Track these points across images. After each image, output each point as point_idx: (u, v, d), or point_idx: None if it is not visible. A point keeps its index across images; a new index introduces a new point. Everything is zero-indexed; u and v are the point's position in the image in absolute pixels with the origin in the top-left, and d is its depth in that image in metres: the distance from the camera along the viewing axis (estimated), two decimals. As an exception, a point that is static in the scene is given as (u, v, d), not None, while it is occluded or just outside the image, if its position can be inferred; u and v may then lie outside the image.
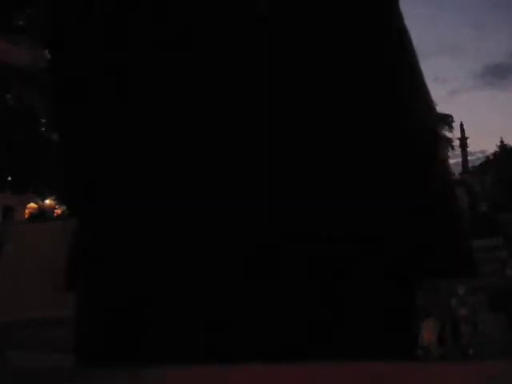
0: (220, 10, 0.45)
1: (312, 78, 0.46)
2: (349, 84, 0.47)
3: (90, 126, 0.49)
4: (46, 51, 0.51)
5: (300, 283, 0.45)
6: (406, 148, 0.49)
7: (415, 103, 0.52)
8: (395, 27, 0.51)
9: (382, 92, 0.48)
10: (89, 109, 0.48)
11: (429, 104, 0.55)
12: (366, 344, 0.46)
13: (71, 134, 0.51)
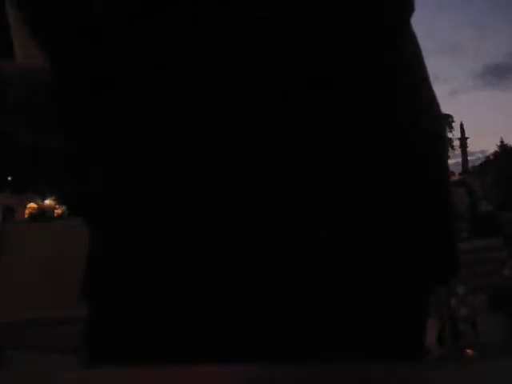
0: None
1: (312, 77, 0.46)
2: (348, 83, 0.47)
3: (90, 126, 0.49)
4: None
5: (300, 283, 0.45)
6: (406, 148, 0.49)
7: (415, 103, 0.52)
8: (394, 27, 0.51)
9: (381, 91, 0.48)
10: (89, 108, 0.48)
11: (430, 103, 0.55)
12: (367, 344, 0.46)
13: (71, 134, 0.51)
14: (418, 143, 0.51)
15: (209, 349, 0.44)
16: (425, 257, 0.50)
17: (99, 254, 0.51)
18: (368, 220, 0.46)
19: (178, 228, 0.45)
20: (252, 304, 0.45)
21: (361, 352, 0.46)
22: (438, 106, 0.57)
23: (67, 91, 0.50)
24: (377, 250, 0.47)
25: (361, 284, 0.46)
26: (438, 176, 0.53)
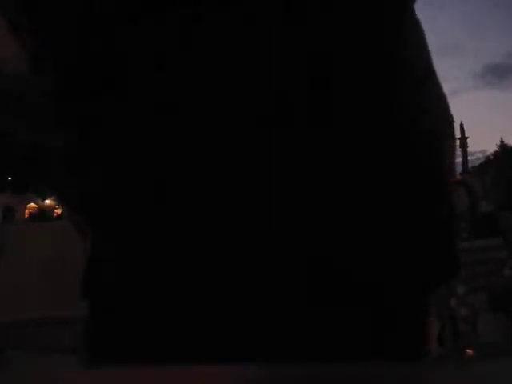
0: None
1: (312, 77, 0.46)
2: (347, 83, 0.47)
3: (90, 126, 0.49)
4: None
5: (300, 283, 0.45)
6: (406, 148, 0.49)
7: (415, 102, 0.52)
8: (394, 27, 0.51)
9: (381, 91, 0.48)
10: (90, 108, 0.48)
11: (436, 97, 0.54)
12: (367, 344, 0.46)
13: (71, 134, 0.51)
14: (417, 143, 0.51)
15: (209, 349, 0.44)
16: (425, 257, 0.50)
17: (99, 253, 0.51)
18: (368, 220, 0.46)
19: (178, 228, 0.45)
20: (252, 304, 0.44)
21: (361, 352, 0.45)
22: (445, 99, 0.56)
23: (67, 91, 0.49)
24: (377, 250, 0.47)
25: (361, 284, 0.46)
26: (437, 176, 0.53)
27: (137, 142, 0.46)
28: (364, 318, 0.46)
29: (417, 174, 0.50)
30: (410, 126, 0.50)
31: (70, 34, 0.47)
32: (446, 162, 0.56)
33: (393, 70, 0.49)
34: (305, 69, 0.45)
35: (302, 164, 0.45)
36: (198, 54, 0.45)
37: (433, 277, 0.52)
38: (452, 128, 0.59)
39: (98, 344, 0.51)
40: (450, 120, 0.57)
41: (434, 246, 0.51)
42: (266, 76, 0.45)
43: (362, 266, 0.46)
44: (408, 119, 0.50)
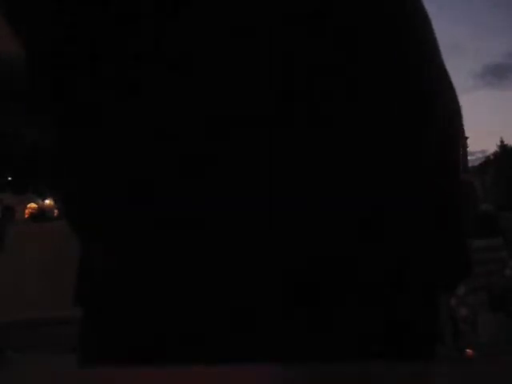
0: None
1: (314, 73, 0.46)
2: (347, 82, 0.47)
3: (67, 125, 0.48)
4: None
5: (302, 283, 0.45)
6: (407, 147, 0.49)
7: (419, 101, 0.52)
8: (395, 28, 0.50)
9: (382, 90, 0.48)
10: (67, 107, 0.48)
11: (442, 104, 0.54)
12: (379, 345, 0.46)
13: (48, 132, 0.51)
14: (424, 143, 0.50)
15: (208, 349, 0.44)
16: (436, 258, 0.50)
17: (89, 256, 0.51)
18: (374, 219, 0.46)
19: (174, 228, 0.45)
20: (252, 304, 0.45)
21: (372, 352, 0.45)
22: (453, 89, 0.56)
23: (42, 88, 0.49)
24: (388, 250, 0.47)
25: (374, 284, 0.46)
26: (447, 175, 0.53)
27: (134, 140, 0.46)
28: (377, 318, 0.46)
29: (425, 174, 0.50)
30: (415, 126, 0.50)
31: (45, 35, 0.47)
32: (457, 160, 0.55)
33: (394, 69, 0.49)
34: (305, 68, 0.45)
35: (302, 164, 0.45)
36: (197, 54, 0.45)
37: (446, 277, 0.52)
38: (461, 126, 0.58)
39: (91, 347, 0.51)
40: (460, 118, 0.57)
41: (445, 246, 0.51)
42: (266, 75, 0.45)
43: (373, 267, 0.46)
44: (413, 119, 0.50)
